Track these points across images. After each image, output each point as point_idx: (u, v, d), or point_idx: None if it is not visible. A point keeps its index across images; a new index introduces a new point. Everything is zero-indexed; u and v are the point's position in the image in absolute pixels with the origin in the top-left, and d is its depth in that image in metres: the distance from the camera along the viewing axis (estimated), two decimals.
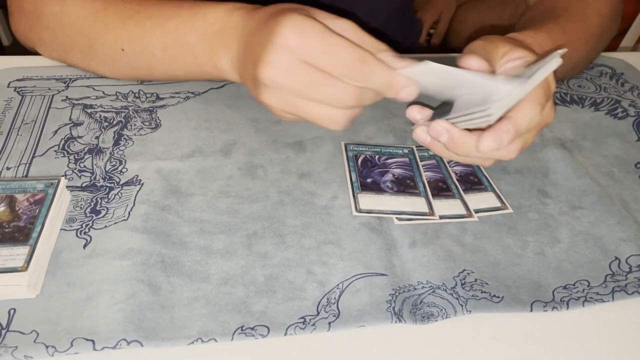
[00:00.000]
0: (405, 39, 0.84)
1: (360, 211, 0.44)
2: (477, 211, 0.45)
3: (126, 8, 0.48)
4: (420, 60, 0.37)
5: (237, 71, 0.43)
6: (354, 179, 0.46)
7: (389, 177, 0.47)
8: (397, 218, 0.43)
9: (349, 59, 0.35)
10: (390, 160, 0.49)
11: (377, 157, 0.49)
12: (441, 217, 0.44)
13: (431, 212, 0.44)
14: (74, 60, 0.53)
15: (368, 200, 0.44)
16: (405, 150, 0.50)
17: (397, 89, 0.37)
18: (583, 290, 0.39)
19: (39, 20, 0.50)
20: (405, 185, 0.46)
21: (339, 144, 0.50)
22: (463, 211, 0.45)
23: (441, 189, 0.46)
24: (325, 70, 0.35)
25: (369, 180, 0.46)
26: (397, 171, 0.48)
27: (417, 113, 0.42)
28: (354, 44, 0.36)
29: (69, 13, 0.49)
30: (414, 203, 0.45)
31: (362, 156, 0.49)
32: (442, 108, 0.41)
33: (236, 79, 0.44)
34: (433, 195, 0.45)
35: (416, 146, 0.51)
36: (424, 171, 0.48)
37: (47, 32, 0.51)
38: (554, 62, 0.35)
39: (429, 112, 0.42)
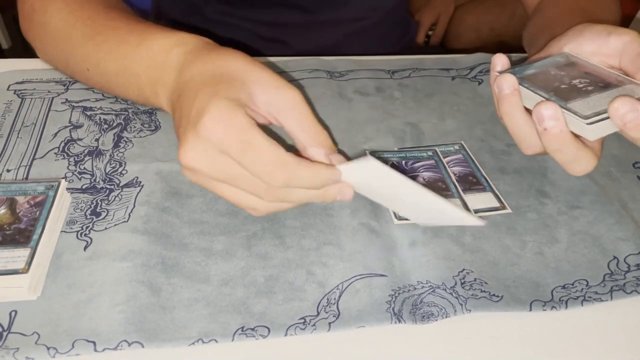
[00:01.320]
0: (401, 38, 0.84)
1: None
2: (475, 211, 0.45)
3: (91, 27, 0.47)
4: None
5: (172, 111, 0.40)
6: None
7: (419, 181, 0.47)
8: (396, 217, 0.44)
9: (268, 162, 0.33)
10: (417, 165, 0.49)
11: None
12: None
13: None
14: (59, 69, 0.53)
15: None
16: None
17: (328, 195, 0.36)
18: (582, 289, 0.40)
19: (31, 27, 0.51)
20: (437, 189, 0.46)
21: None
22: None
23: (440, 189, 0.46)
24: (245, 168, 0.34)
25: None
26: (426, 174, 0.48)
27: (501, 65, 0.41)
28: (275, 145, 0.33)
29: (50, 24, 0.49)
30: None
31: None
32: (532, 74, 0.40)
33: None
34: None
35: (438, 147, 0.51)
36: (423, 171, 0.48)
37: (37, 41, 0.52)
38: None
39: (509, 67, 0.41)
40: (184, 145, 0.34)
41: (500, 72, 0.41)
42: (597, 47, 0.41)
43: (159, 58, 0.41)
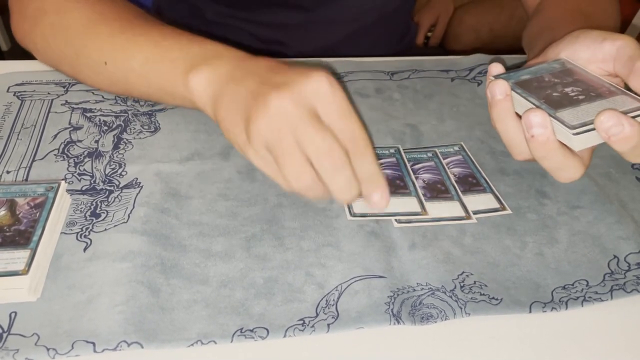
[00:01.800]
0: (400, 40, 0.84)
1: (354, 215, 0.44)
2: (475, 212, 0.45)
3: (121, 24, 0.48)
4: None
5: (213, 89, 0.41)
6: None
7: (419, 183, 0.47)
8: (396, 220, 0.44)
9: (358, 134, 0.37)
10: (417, 166, 0.49)
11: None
12: (440, 220, 0.44)
13: (424, 210, 0.44)
14: (64, 69, 0.53)
15: (361, 204, 0.44)
16: (392, 150, 0.50)
17: (374, 187, 0.38)
18: (582, 290, 0.40)
19: (37, 28, 0.51)
20: (395, 186, 0.46)
21: None
22: (462, 213, 0.45)
23: (440, 191, 0.46)
24: (335, 130, 0.37)
25: None
26: (426, 176, 0.48)
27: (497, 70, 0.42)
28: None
29: (65, 24, 0.49)
30: (406, 203, 0.45)
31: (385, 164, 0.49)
32: (526, 80, 0.41)
33: (203, 98, 0.42)
34: (431, 197, 0.46)
35: (437, 148, 0.51)
36: (422, 173, 0.48)
37: (42, 41, 0.52)
38: None
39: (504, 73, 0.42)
40: (291, 85, 0.37)
41: (495, 77, 0.41)
42: (591, 53, 0.42)
43: (212, 52, 0.43)
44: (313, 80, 0.36)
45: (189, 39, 0.46)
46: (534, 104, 0.38)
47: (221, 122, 0.40)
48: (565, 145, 0.38)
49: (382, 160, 0.49)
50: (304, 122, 0.36)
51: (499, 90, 0.40)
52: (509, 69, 0.42)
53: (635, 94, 0.38)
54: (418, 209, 0.44)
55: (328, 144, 0.36)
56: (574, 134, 0.36)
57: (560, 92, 0.39)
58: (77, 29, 0.49)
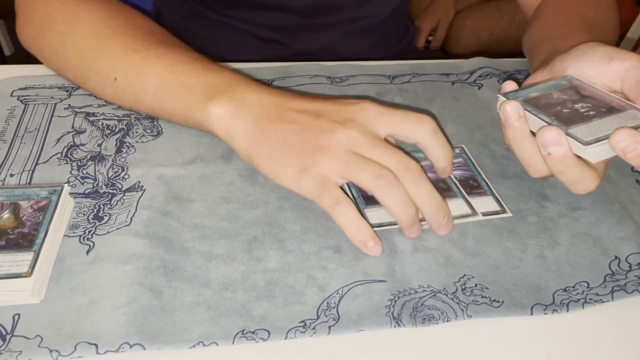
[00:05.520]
0: (398, 42, 0.84)
1: (372, 226, 0.43)
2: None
3: (135, 42, 0.48)
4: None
5: (235, 120, 0.43)
6: (355, 194, 0.46)
7: None
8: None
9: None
10: None
11: None
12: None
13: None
14: (68, 77, 0.54)
15: (375, 214, 0.44)
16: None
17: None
18: (583, 291, 0.40)
19: (44, 35, 0.51)
20: (438, 189, 0.46)
21: None
22: (468, 210, 0.45)
23: (442, 190, 0.46)
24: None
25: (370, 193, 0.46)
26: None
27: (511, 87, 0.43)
28: None
29: (74, 34, 0.49)
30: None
31: None
32: (536, 97, 0.42)
33: (223, 128, 0.44)
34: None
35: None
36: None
37: (49, 48, 0.52)
38: None
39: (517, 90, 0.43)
40: (359, 103, 0.43)
41: (504, 95, 0.41)
42: (598, 71, 0.42)
43: (229, 81, 0.45)
44: (361, 108, 0.43)
45: (202, 64, 0.46)
46: (545, 121, 0.39)
47: (260, 157, 0.43)
48: (580, 158, 0.38)
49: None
50: (373, 145, 0.41)
51: (512, 112, 0.40)
52: (513, 78, 0.43)
53: None
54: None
55: (405, 162, 0.41)
56: (588, 150, 0.37)
57: (570, 109, 0.40)
58: (88, 41, 0.49)
